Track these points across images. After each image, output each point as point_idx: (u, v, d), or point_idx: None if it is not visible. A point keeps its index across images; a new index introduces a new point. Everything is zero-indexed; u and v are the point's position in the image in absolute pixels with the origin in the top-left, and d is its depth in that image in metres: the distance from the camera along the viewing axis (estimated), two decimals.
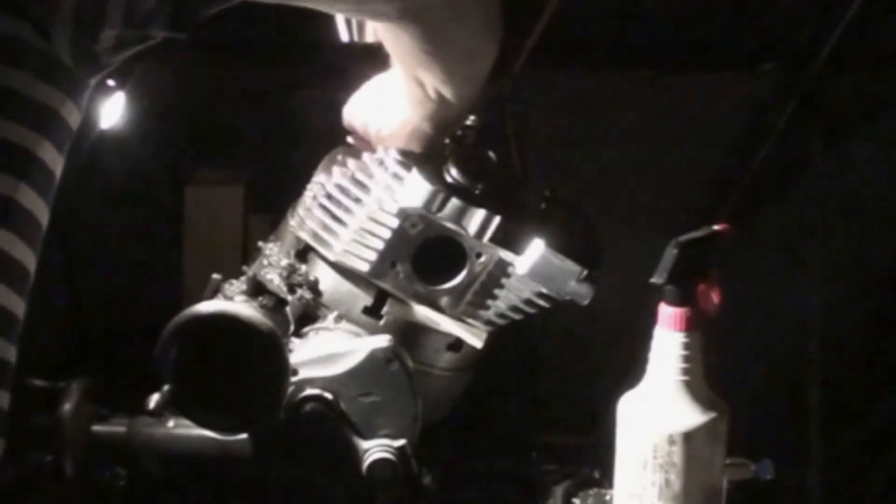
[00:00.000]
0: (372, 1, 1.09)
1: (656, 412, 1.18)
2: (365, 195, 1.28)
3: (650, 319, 1.19)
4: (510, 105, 1.58)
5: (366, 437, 1.23)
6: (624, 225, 1.64)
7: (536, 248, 1.25)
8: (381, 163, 1.29)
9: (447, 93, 1.24)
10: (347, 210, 1.29)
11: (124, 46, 0.98)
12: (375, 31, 1.22)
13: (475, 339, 1.29)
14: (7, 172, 0.94)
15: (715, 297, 1.18)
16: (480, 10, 1.17)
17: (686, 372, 1.17)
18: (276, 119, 1.75)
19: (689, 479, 1.17)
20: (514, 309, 1.29)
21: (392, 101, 1.29)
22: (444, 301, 1.29)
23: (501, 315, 1.29)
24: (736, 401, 1.21)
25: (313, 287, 1.30)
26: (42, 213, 0.98)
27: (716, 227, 1.21)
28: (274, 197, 1.48)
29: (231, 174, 1.75)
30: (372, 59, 1.33)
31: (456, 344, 1.31)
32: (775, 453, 1.34)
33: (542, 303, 1.28)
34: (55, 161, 0.98)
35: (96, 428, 1.28)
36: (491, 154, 1.32)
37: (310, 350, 1.26)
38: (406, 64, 1.23)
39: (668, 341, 1.17)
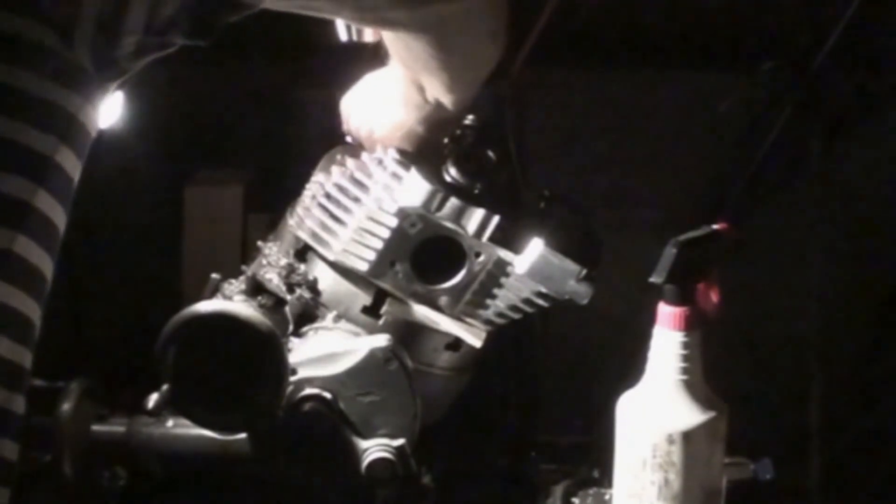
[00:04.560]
0: (387, 10, 1.09)
1: (655, 411, 1.18)
2: (364, 195, 1.28)
3: (650, 319, 1.19)
4: (510, 105, 1.58)
5: (365, 436, 1.23)
6: (623, 224, 1.64)
7: (535, 248, 1.25)
8: (380, 162, 1.29)
9: (447, 98, 1.24)
10: (346, 209, 1.29)
11: (144, 52, 0.98)
12: (384, 37, 1.22)
13: (474, 338, 1.29)
14: (26, 177, 0.94)
15: (714, 297, 1.18)
16: (491, 19, 1.18)
17: (685, 371, 1.17)
18: (276, 119, 1.75)
19: (688, 479, 1.17)
20: (514, 308, 1.29)
21: (387, 103, 1.29)
22: (444, 300, 1.29)
23: (500, 314, 1.29)
24: (736, 401, 1.21)
25: (312, 286, 1.30)
26: (59, 217, 0.98)
27: (715, 227, 1.21)
28: (273, 196, 1.48)
29: (231, 174, 1.76)
30: (372, 59, 1.33)
31: (455, 343, 1.31)
32: (775, 453, 1.34)
33: (541, 302, 1.28)
34: (74, 166, 0.98)
35: (96, 428, 1.28)
36: (490, 153, 1.32)
37: (309, 349, 1.26)
38: (412, 69, 1.23)
39: (667, 340, 1.17)
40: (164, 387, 1.19)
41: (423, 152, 1.30)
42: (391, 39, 1.20)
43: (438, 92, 1.24)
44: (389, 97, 1.28)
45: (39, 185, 0.95)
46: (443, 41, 1.15)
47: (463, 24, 1.14)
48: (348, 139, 1.37)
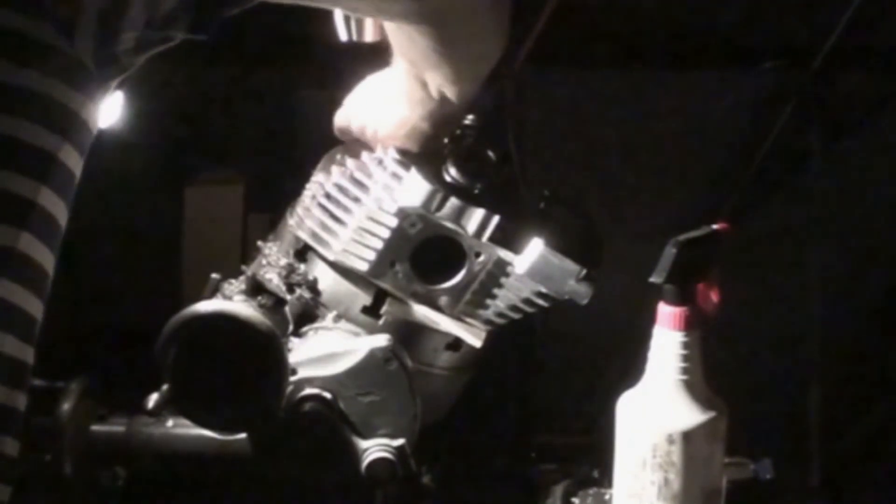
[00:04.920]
0: (391, 0, 1.09)
1: (655, 411, 1.18)
2: (364, 195, 1.28)
3: (650, 319, 1.19)
4: (510, 105, 1.58)
5: (365, 436, 1.23)
6: (623, 224, 1.64)
7: (535, 248, 1.25)
8: (380, 162, 1.29)
9: (451, 93, 1.24)
10: (346, 209, 1.29)
11: (145, 48, 0.98)
12: (386, 29, 1.22)
13: (474, 338, 1.29)
14: (28, 175, 0.94)
15: (714, 297, 1.18)
16: (495, 11, 1.17)
17: (685, 371, 1.17)
18: (276, 119, 1.75)
19: (688, 479, 1.17)
20: (514, 308, 1.28)
21: (390, 100, 1.29)
22: (443, 300, 1.28)
23: (500, 314, 1.29)
24: (736, 401, 1.21)
25: (312, 286, 1.30)
26: (62, 215, 0.98)
27: (715, 227, 1.21)
28: (273, 196, 1.48)
29: (231, 174, 1.76)
30: (371, 58, 1.33)
31: (455, 343, 1.31)
32: (775, 453, 1.34)
33: (541, 302, 1.28)
34: (76, 164, 0.98)
35: (95, 428, 1.28)
36: (490, 153, 1.32)
37: (309, 349, 1.26)
38: (415, 64, 1.22)
39: (667, 340, 1.17)
40: (164, 387, 1.19)
41: (427, 149, 1.30)
42: (394, 33, 1.20)
43: (442, 87, 1.24)
44: (392, 95, 1.28)
45: (42, 183, 0.95)
46: (445, 34, 1.15)
47: (465, 16, 1.14)
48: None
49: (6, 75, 0.93)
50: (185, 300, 1.25)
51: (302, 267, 1.31)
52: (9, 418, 0.96)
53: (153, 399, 1.18)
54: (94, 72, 0.97)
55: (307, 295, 1.30)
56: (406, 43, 1.19)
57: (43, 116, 0.94)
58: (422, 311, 1.29)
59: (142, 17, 0.95)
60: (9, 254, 0.94)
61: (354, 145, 1.35)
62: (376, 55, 1.31)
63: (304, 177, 1.36)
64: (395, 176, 1.27)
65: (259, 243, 1.37)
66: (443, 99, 1.25)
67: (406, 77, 1.25)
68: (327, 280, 1.30)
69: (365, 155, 1.31)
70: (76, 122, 0.97)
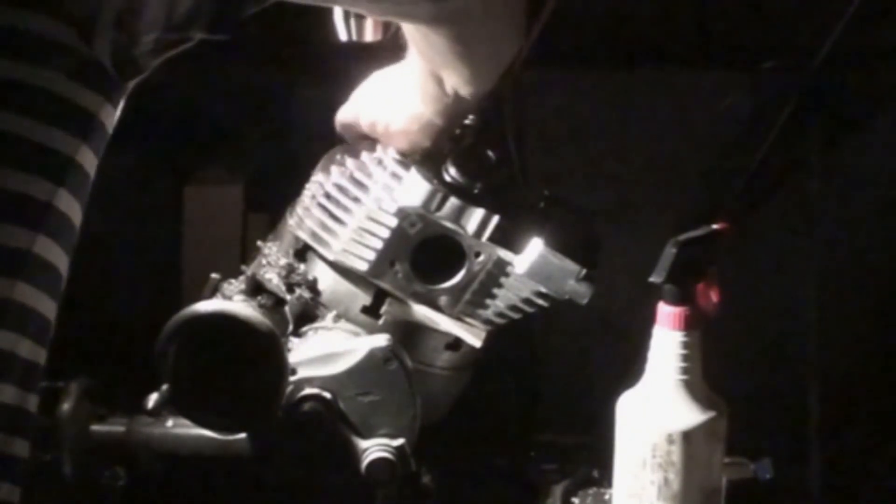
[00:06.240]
0: (410, 3, 1.09)
1: (655, 411, 1.18)
2: (364, 194, 1.28)
3: (650, 319, 1.19)
4: (510, 105, 1.57)
5: (364, 436, 1.23)
6: (623, 223, 1.64)
7: (535, 248, 1.25)
8: (380, 162, 1.29)
9: (466, 90, 1.24)
10: (346, 209, 1.29)
11: (163, 49, 0.98)
12: (403, 29, 1.22)
13: (474, 338, 1.29)
14: (47, 178, 0.94)
15: (714, 297, 1.18)
16: (511, 11, 1.18)
17: (685, 371, 1.17)
18: (276, 119, 1.75)
19: (688, 479, 1.17)
20: (513, 308, 1.29)
21: (403, 96, 1.29)
22: (443, 300, 1.29)
23: (500, 314, 1.29)
24: (736, 401, 1.21)
25: (312, 286, 1.30)
26: (77, 217, 0.99)
27: (715, 227, 1.21)
28: (273, 196, 1.48)
29: (230, 174, 1.75)
30: (371, 58, 1.33)
31: (455, 343, 1.31)
32: (775, 453, 1.34)
33: (540, 302, 1.28)
34: (92, 165, 0.99)
35: (95, 427, 1.28)
36: (490, 153, 1.32)
37: (308, 349, 1.26)
38: (432, 62, 1.22)
39: (667, 340, 1.17)
40: (164, 386, 1.19)
41: (435, 145, 1.29)
42: (410, 32, 1.20)
43: (458, 84, 1.24)
44: (405, 90, 1.28)
45: (59, 185, 0.95)
46: (462, 34, 1.15)
47: (482, 17, 1.14)
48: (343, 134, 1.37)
49: (24, 76, 0.93)
50: (185, 300, 1.25)
51: (302, 267, 1.31)
52: (21, 420, 0.97)
53: (153, 399, 1.19)
54: (112, 73, 0.97)
55: (307, 295, 1.30)
56: (423, 42, 1.20)
57: (60, 118, 0.95)
58: (422, 311, 1.29)
59: (161, 18, 0.95)
60: (25, 257, 0.94)
61: (354, 145, 1.35)
62: (376, 55, 1.31)
63: (304, 177, 1.36)
64: (395, 176, 1.28)
65: (259, 243, 1.37)
66: (458, 95, 1.25)
67: (421, 73, 1.25)
68: (327, 280, 1.31)
69: (365, 155, 1.31)
70: (93, 124, 0.97)
